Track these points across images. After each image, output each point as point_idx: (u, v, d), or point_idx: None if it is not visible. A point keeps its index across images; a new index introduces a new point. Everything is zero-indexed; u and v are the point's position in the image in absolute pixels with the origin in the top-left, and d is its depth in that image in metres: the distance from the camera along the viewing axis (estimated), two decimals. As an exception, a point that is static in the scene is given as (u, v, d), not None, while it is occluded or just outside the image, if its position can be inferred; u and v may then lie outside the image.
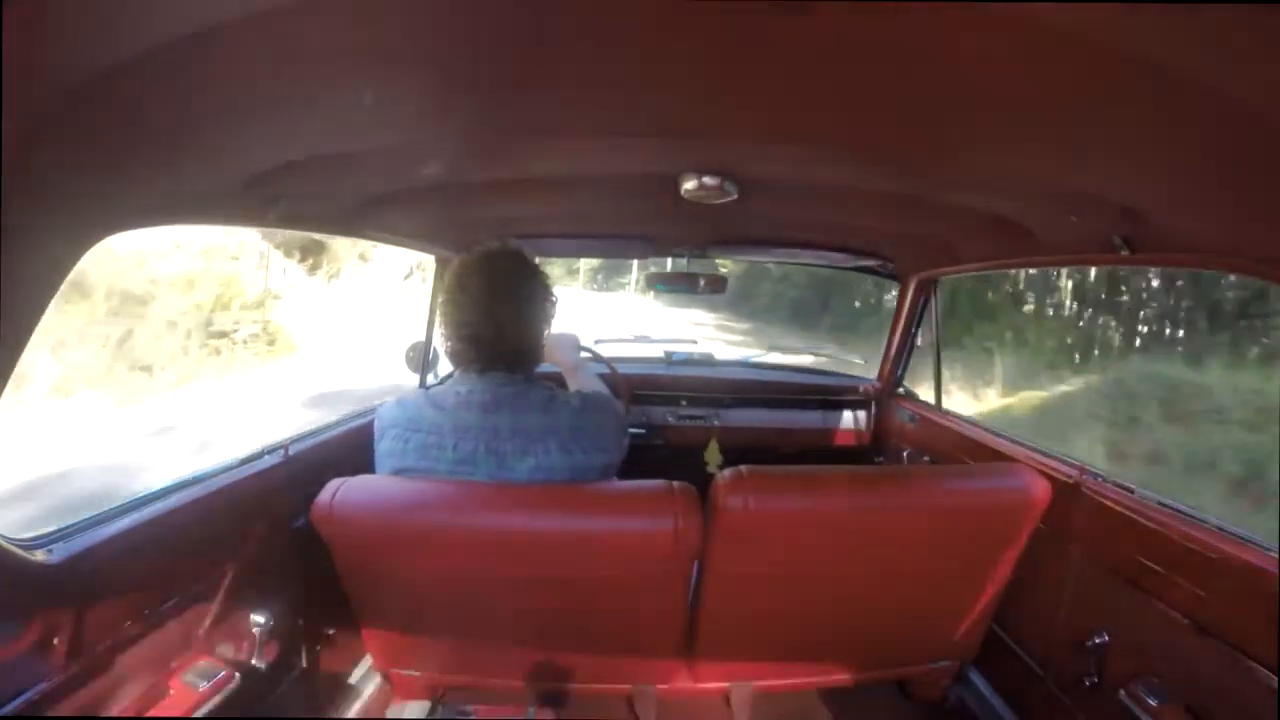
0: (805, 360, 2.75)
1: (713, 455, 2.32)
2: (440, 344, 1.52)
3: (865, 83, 0.74)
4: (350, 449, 1.50)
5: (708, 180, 1.17)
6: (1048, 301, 9.15)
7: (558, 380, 1.44)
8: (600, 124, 0.96)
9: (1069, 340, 8.49)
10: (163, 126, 0.75)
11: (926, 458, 2.06)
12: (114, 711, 0.87)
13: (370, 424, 1.24)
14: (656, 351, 2.58)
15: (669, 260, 2.33)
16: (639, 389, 2.31)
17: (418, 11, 0.61)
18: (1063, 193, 1.06)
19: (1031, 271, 8.03)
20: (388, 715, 1.40)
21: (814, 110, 0.84)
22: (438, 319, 1.22)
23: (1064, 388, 7.54)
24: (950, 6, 0.55)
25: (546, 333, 1.23)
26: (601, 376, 1.66)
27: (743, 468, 1.10)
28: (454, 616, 1.22)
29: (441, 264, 2.00)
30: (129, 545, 0.91)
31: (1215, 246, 1.02)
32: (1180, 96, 0.65)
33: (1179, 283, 7.24)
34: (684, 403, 2.37)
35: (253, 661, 1.11)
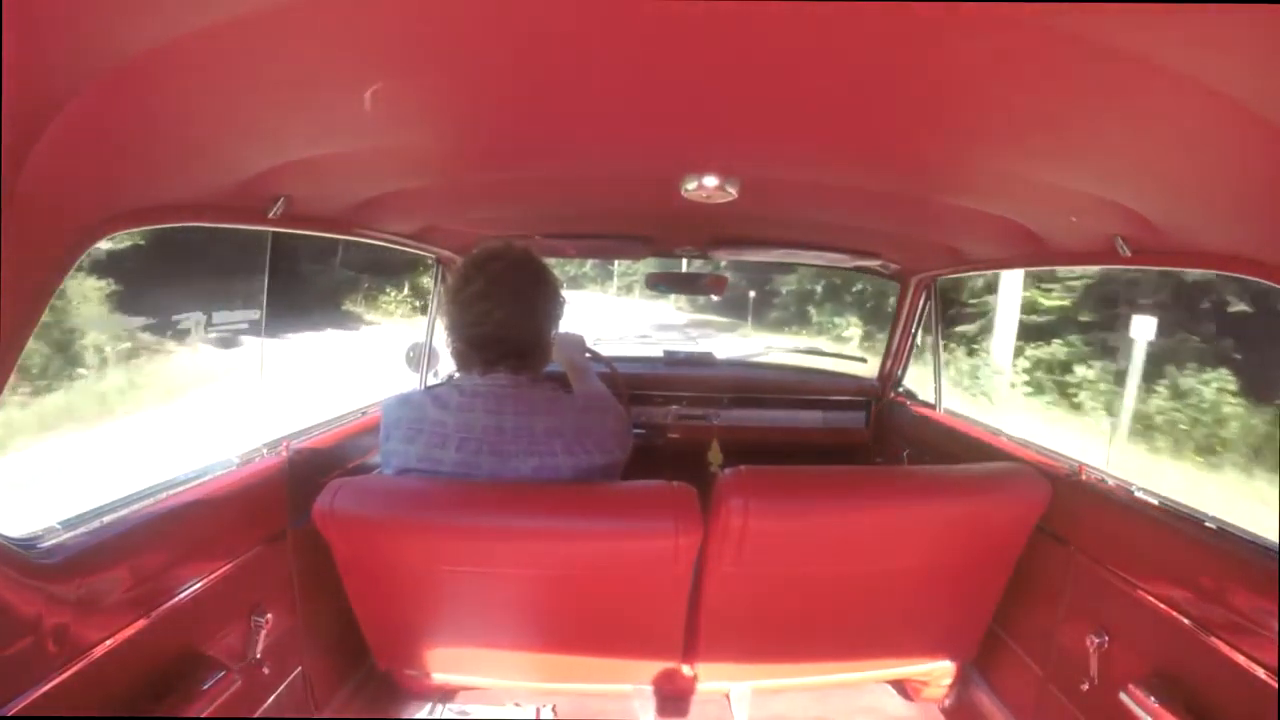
0: (805, 360, 2.75)
1: (715, 455, 2.32)
2: (444, 344, 1.52)
3: (866, 83, 0.73)
4: (351, 448, 1.50)
5: (708, 180, 1.17)
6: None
7: (561, 380, 1.44)
8: (600, 124, 0.96)
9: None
10: (162, 126, 0.75)
11: (927, 458, 2.05)
12: (114, 711, 0.87)
13: (371, 422, 1.24)
14: (656, 351, 2.58)
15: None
16: (638, 389, 2.31)
17: (417, 12, 0.61)
18: (1064, 193, 1.06)
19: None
20: (388, 715, 1.40)
21: (814, 110, 0.84)
22: (439, 319, 1.22)
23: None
24: (951, 7, 0.55)
25: (554, 333, 1.23)
26: (601, 376, 1.66)
27: (743, 468, 1.10)
28: (455, 616, 1.22)
29: (442, 264, 2.00)
30: (129, 545, 0.91)
31: (1216, 248, 1.02)
32: (1181, 97, 0.65)
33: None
34: (684, 403, 2.37)
35: (253, 661, 1.11)
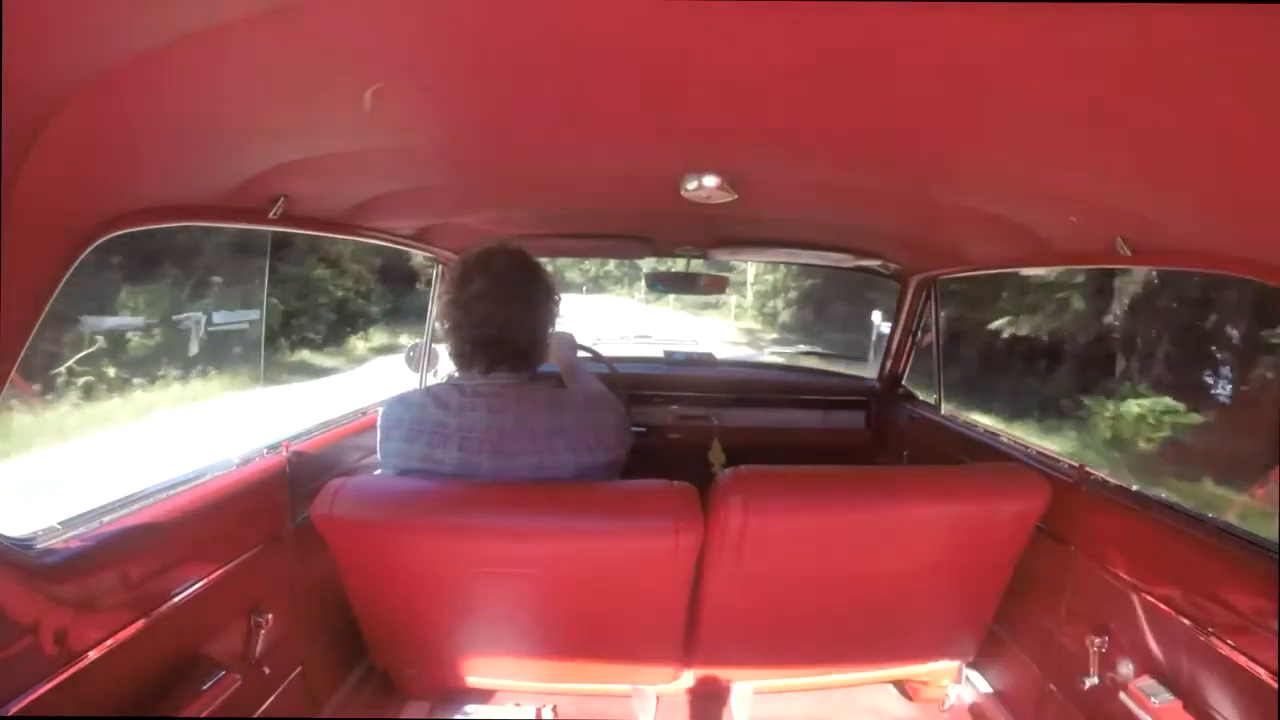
0: (805, 360, 2.75)
1: (717, 455, 2.32)
2: (443, 344, 1.51)
3: (866, 83, 0.73)
4: (350, 448, 1.50)
5: (708, 180, 1.17)
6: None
7: (556, 379, 1.44)
8: (600, 124, 0.96)
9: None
10: (162, 127, 0.75)
11: (927, 458, 2.05)
12: (114, 711, 0.87)
13: (370, 422, 1.24)
14: (656, 351, 2.58)
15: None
16: (639, 389, 2.31)
17: (417, 12, 0.61)
18: (1064, 193, 1.06)
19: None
20: (388, 715, 1.40)
21: (814, 110, 0.84)
22: (439, 319, 1.22)
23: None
24: (951, 7, 0.55)
25: (551, 331, 1.23)
26: (601, 376, 1.66)
27: (742, 467, 1.10)
28: (454, 616, 1.22)
29: (441, 264, 2.00)
30: (129, 544, 0.91)
31: (1216, 248, 1.02)
32: (1182, 98, 0.65)
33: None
34: (684, 403, 2.37)
35: (253, 661, 1.11)
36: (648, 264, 2.53)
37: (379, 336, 11.69)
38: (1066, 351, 8.18)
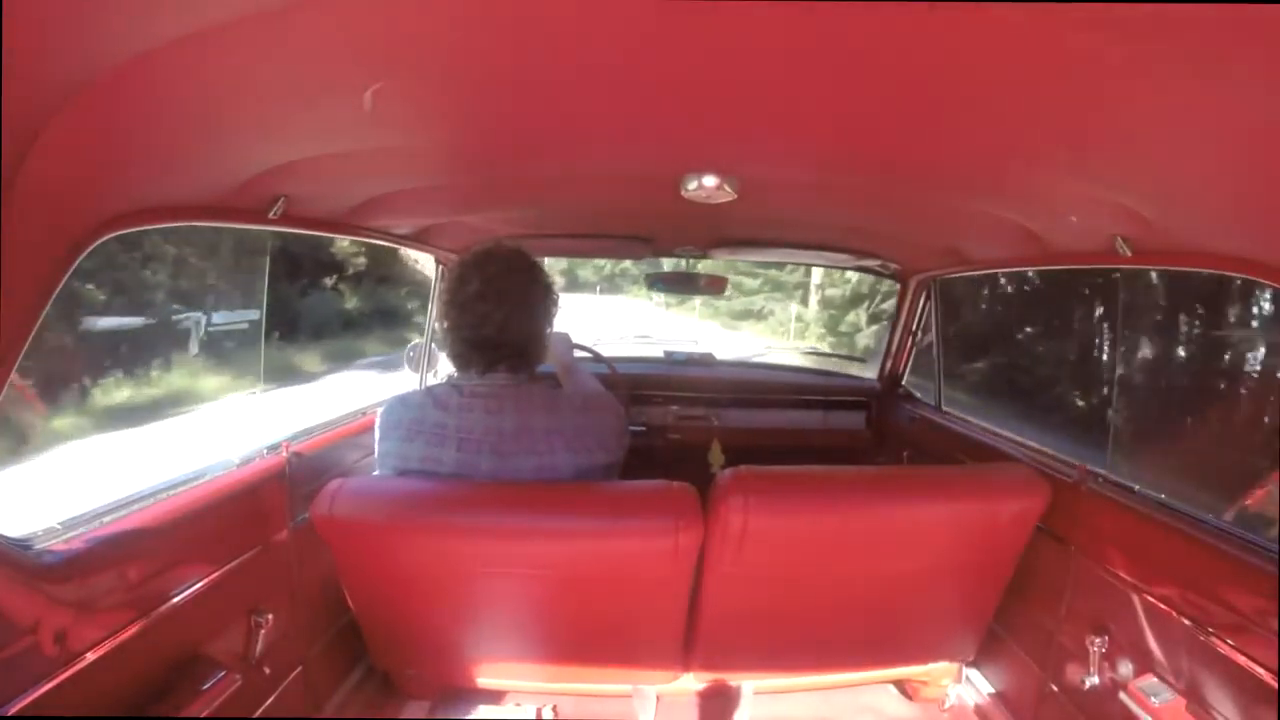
0: (805, 360, 2.75)
1: (716, 456, 2.32)
2: (442, 344, 1.52)
3: (867, 83, 0.73)
4: (350, 448, 1.50)
5: (708, 180, 1.17)
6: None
7: (555, 380, 1.44)
8: (600, 124, 0.96)
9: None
10: (162, 126, 0.75)
11: (927, 458, 2.05)
12: (114, 712, 0.87)
13: (370, 422, 1.24)
14: (656, 351, 2.58)
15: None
16: (638, 389, 2.31)
17: (417, 12, 0.61)
18: (1064, 193, 1.06)
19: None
20: (388, 715, 1.40)
21: (814, 110, 0.84)
22: (438, 319, 1.22)
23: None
24: (951, 8, 0.55)
25: (548, 331, 1.23)
26: (600, 376, 1.66)
27: (742, 467, 1.11)
28: (454, 616, 1.22)
29: (441, 264, 2.00)
30: (129, 545, 0.91)
31: (1216, 248, 1.02)
32: (1181, 98, 0.65)
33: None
34: (684, 403, 2.37)
35: (253, 661, 1.11)
36: (653, 264, 2.55)
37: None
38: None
